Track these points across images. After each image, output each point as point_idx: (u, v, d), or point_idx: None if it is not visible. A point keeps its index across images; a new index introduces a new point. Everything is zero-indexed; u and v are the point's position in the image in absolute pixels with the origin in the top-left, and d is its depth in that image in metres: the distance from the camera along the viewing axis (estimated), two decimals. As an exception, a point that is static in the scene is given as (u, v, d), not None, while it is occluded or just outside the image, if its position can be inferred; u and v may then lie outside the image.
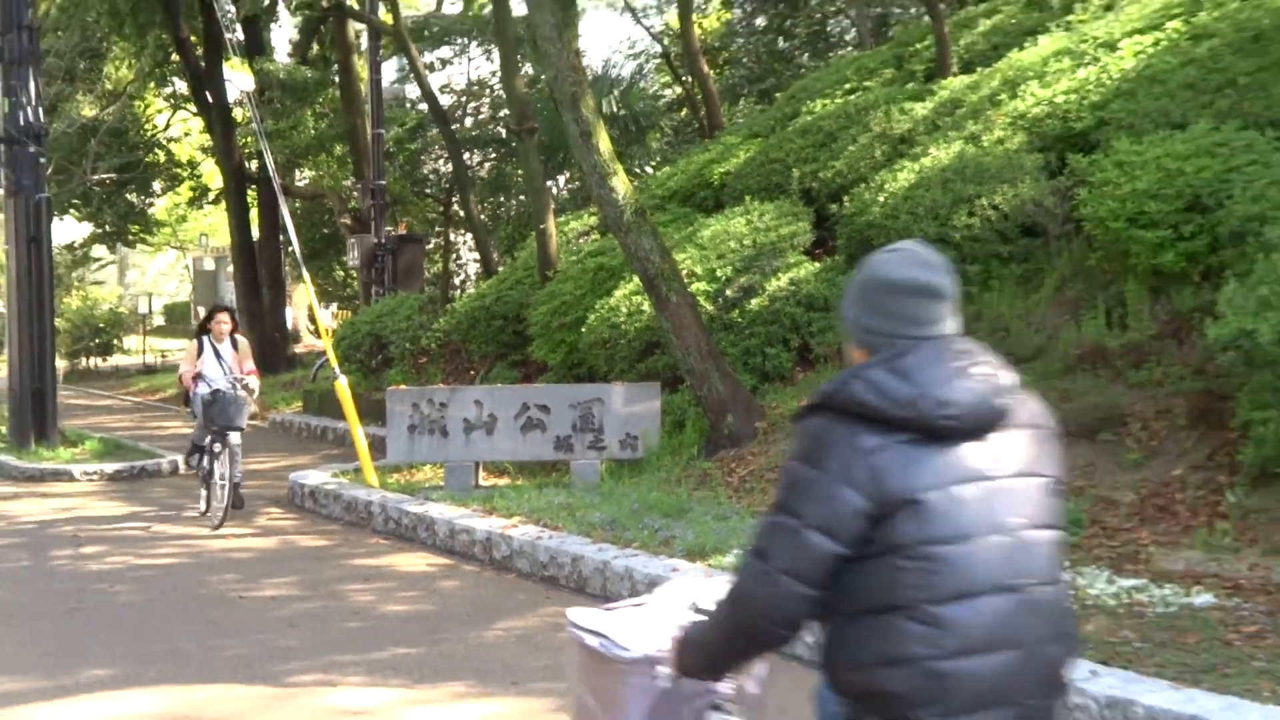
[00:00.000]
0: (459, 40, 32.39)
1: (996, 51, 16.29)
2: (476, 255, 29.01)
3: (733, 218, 15.40)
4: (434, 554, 11.46)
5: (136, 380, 35.90)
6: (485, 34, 29.57)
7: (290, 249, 26.33)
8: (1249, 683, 6.28)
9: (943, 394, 2.77)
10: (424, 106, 28.41)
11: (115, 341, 40.86)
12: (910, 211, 12.88)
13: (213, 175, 38.05)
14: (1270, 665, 6.54)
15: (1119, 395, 10.30)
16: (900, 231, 12.80)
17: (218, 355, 13.51)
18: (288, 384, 27.62)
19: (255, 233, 31.91)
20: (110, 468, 17.37)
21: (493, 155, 31.87)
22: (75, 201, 36.98)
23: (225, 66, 24.46)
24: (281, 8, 31.13)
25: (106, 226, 40.29)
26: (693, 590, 3.56)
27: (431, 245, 33.96)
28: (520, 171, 25.17)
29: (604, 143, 13.16)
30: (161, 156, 39.10)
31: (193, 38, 30.13)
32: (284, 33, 36.90)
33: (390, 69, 32.68)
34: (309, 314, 33.19)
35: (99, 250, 46.29)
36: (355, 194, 28.43)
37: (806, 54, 28.69)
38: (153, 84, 36.23)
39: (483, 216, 29.38)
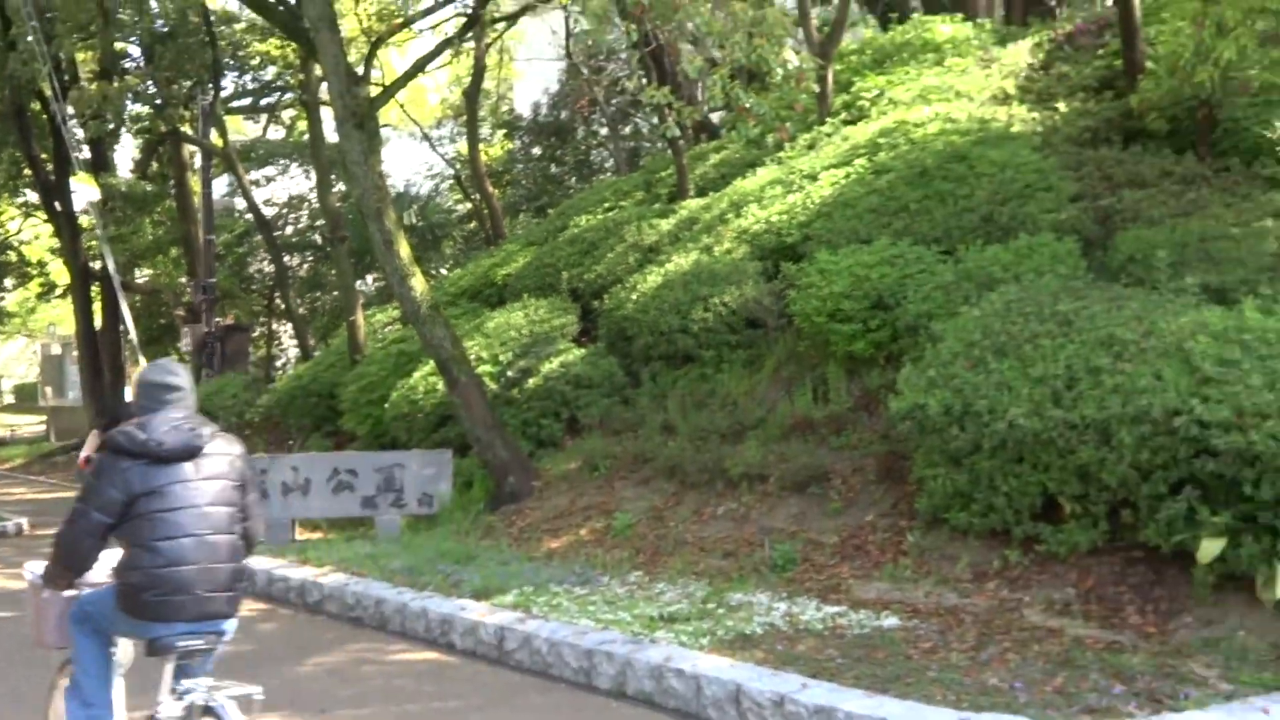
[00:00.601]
0: (281, 161, 31.98)
1: (724, 179, 16.62)
2: (296, 342, 28.57)
3: (513, 311, 15.49)
4: (254, 600, 11.08)
5: (-14, 453, 34.23)
6: (304, 156, 29.23)
7: (129, 337, 25.58)
8: (925, 689, 6.54)
9: (161, 438, 4.71)
10: (250, 216, 27.99)
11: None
12: (657, 307, 13.10)
13: (61, 273, 36.52)
14: (941, 674, 6.81)
15: (823, 457, 10.58)
16: (649, 324, 13.10)
17: None
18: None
19: (98, 322, 30.80)
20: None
21: (310, 257, 31.43)
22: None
23: (72, 180, 23.82)
24: (124, 131, 30.33)
25: (-39, 317, 38.45)
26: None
27: (256, 333, 33.21)
28: (334, 272, 24.88)
29: (404, 249, 13.25)
30: (14, 256, 37.59)
31: (43, 155, 29.09)
32: (126, 151, 35.89)
33: (221, 184, 32.03)
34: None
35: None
36: (189, 290, 27.65)
37: (574, 178, 29.10)
38: (6, 194, 34.88)
39: (301, 309, 28.96)
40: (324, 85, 15.43)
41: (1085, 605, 7.79)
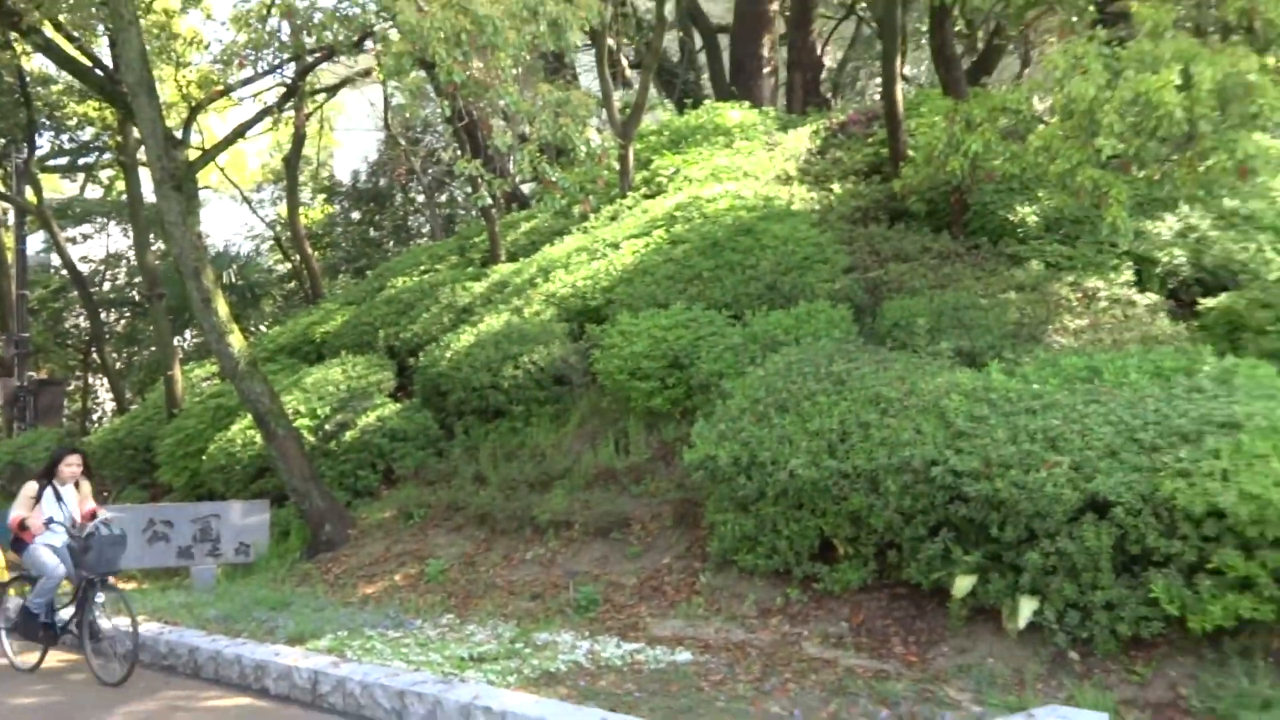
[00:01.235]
0: (99, 219, 30.70)
1: (534, 246, 16.72)
2: (112, 396, 27.38)
3: (331, 367, 15.23)
4: (65, 651, 10.23)
5: None
6: (122, 215, 28.16)
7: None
8: (715, 718, 6.65)
9: None
10: (65, 272, 26.79)
11: None
12: (470, 365, 13.02)
13: None
14: (729, 704, 6.93)
15: (624, 504, 10.68)
16: (463, 380, 13.03)
17: (59, 499, 9.42)
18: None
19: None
20: None
21: (128, 314, 30.16)
22: None
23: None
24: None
25: None
26: None
27: (71, 388, 31.71)
28: (151, 328, 24.03)
29: (222, 307, 12.92)
30: None
31: None
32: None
33: (38, 240, 30.62)
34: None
35: None
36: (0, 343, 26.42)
37: (392, 242, 28.82)
38: None
39: (118, 364, 27.80)
40: (142, 147, 14.95)
41: (857, 638, 8.03)
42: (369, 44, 13.24)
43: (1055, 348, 10.00)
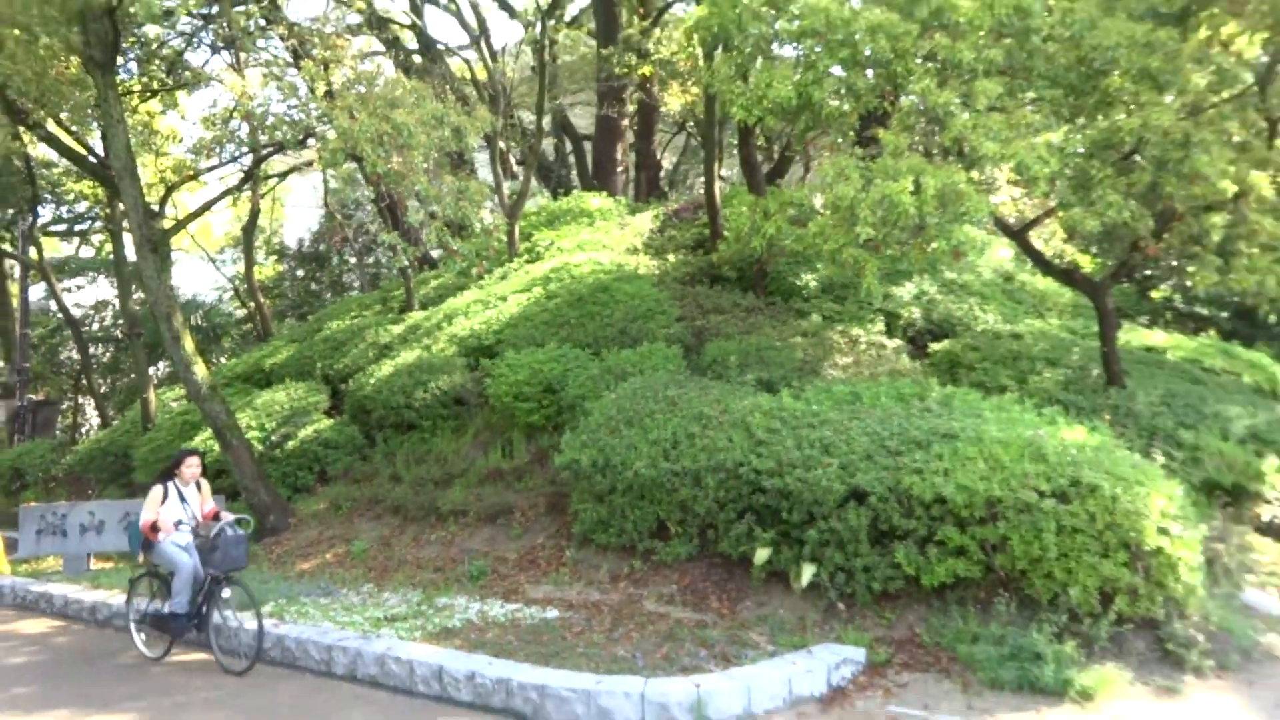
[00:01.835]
0: (90, 273, 29.14)
1: (440, 298, 16.48)
2: (97, 414, 25.90)
3: (277, 391, 14.66)
4: (53, 619, 9.91)
5: None
6: (109, 270, 26.70)
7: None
8: (575, 661, 6.63)
9: None
10: (61, 315, 25.31)
11: None
12: (389, 389, 12.76)
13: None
14: (587, 650, 6.91)
15: (509, 497, 10.59)
16: (383, 401, 12.71)
17: (183, 499, 8.03)
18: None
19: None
20: None
21: (111, 348, 28.59)
22: None
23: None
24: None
25: None
26: None
27: (64, 407, 29.88)
28: (131, 360, 22.84)
29: (189, 344, 12.36)
30: None
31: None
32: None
33: (39, 289, 28.81)
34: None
35: None
36: (4, 371, 24.78)
37: (329, 293, 27.95)
38: None
39: (103, 389, 26.30)
40: (126, 218, 14.28)
41: (684, 597, 8.07)
42: (311, 141, 12.94)
43: (829, 378, 10.26)
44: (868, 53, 8.27)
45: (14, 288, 25.01)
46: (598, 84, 20.07)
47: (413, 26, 20.38)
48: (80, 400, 30.96)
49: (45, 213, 25.64)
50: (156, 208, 16.29)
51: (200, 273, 31.49)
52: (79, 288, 29.44)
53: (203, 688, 7.15)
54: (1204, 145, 8.16)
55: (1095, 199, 8.37)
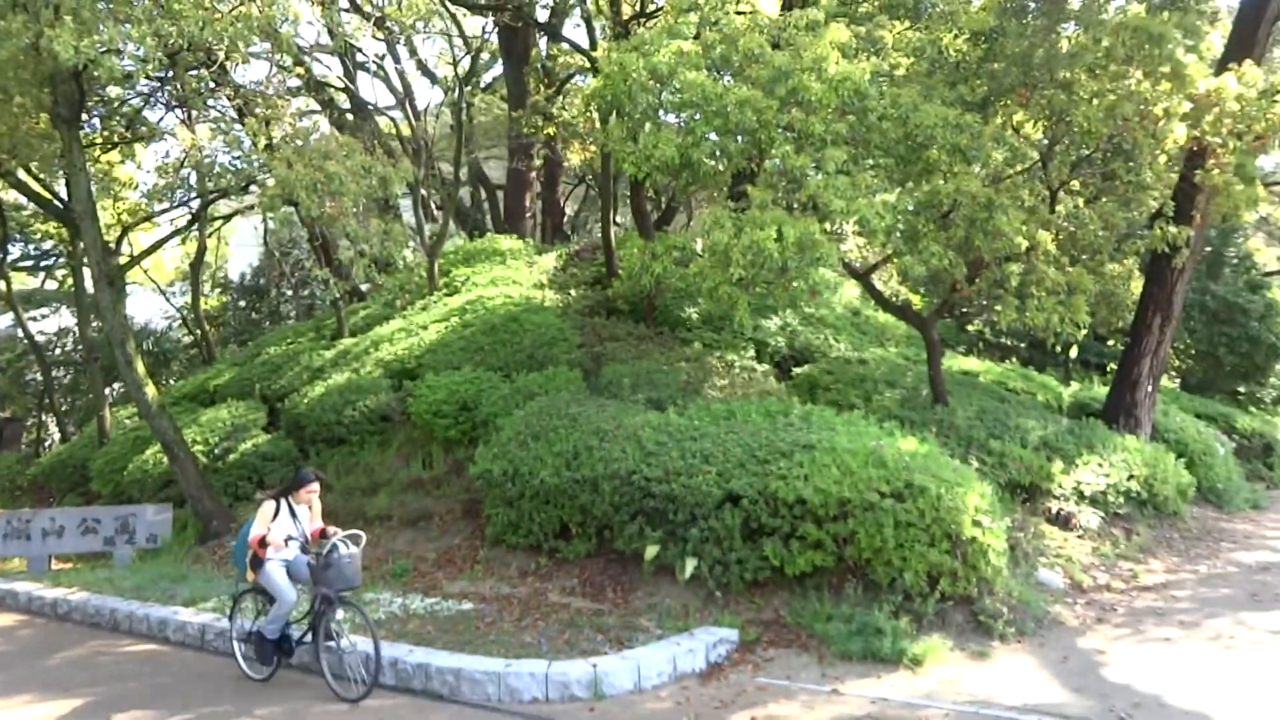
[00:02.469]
0: (54, 304, 27.31)
1: (368, 326, 15.97)
2: (58, 430, 24.21)
3: (220, 409, 13.87)
4: (17, 614, 9.23)
5: None
6: (70, 302, 25.02)
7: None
8: (487, 649, 6.44)
9: None
10: (26, 341, 23.57)
11: None
12: (321, 407, 12.24)
13: None
14: (497, 638, 6.73)
15: (429, 503, 10.28)
16: (316, 418, 12.16)
17: (294, 516, 6.57)
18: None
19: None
20: None
21: (71, 371, 26.80)
22: None
23: None
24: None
25: None
26: None
27: (29, 423, 27.90)
28: (88, 382, 21.39)
29: (140, 367, 11.59)
30: None
31: None
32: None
33: (6, 319, 26.81)
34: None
35: None
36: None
37: (268, 322, 26.78)
38: None
39: (64, 407, 24.60)
40: (87, 255, 13.35)
41: (584, 589, 7.94)
42: (253, 188, 12.40)
43: (709, 398, 10.29)
44: (737, 122, 8.37)
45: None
46: (509, 141, 19.87)
47: (346, 89, 19.81)
48: (43, 418, 29.03)
49: (14, 250, 24.35)
50: (113, 246, 15.38)
51: (151, 303, 29.89)
52: (43, 316, 27.83)
53: (151, 673, 6.61)
54: (1003, 208, 8.53)
55: (922, 249, 8.64)
